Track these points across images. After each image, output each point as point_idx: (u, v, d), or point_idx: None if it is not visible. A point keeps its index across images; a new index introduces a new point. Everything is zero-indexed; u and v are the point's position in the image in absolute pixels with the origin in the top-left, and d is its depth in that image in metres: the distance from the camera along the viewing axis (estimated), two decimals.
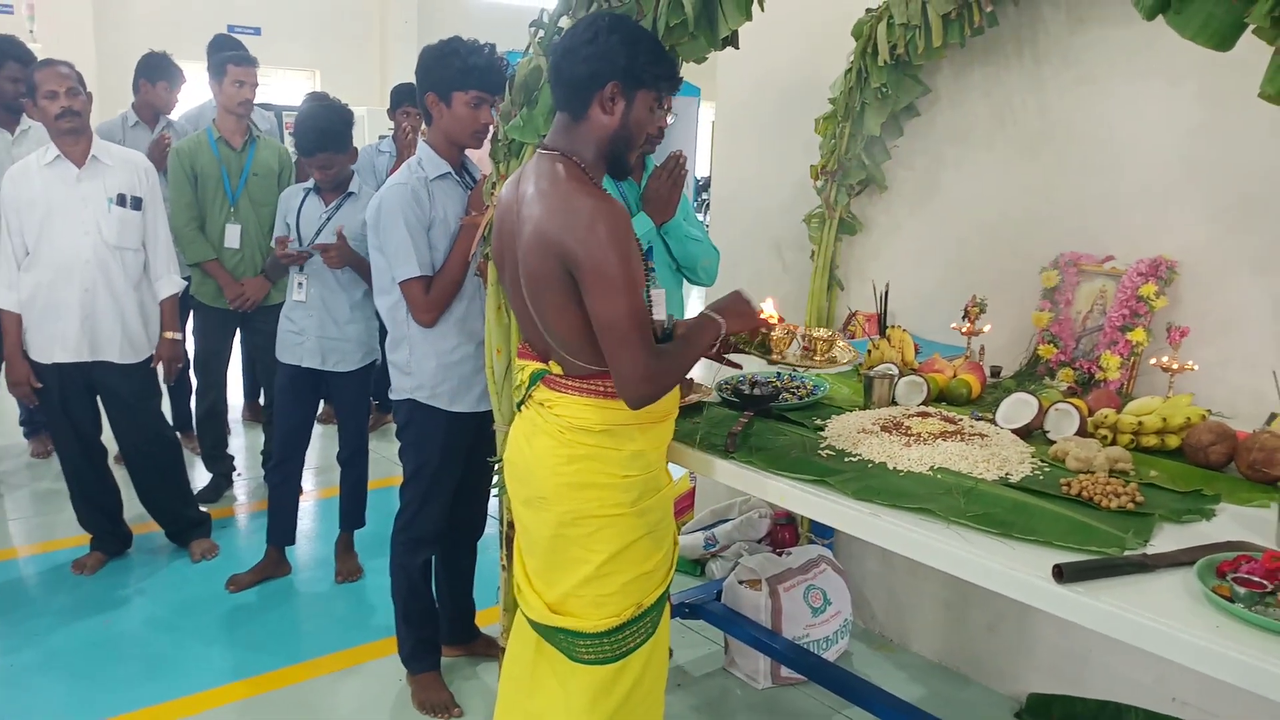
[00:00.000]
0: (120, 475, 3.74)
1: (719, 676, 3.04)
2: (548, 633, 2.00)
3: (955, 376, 2.46)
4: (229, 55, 4.08)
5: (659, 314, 2.70)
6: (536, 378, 1.96)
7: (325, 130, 3.27)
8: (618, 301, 1.74)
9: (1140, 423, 2.08)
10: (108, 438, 3.63)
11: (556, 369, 1.92)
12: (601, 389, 1.88)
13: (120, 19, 11.62)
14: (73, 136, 3.30)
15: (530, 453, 1.97)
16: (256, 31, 12.26)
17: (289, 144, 4.16)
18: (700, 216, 3.33)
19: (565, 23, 2.34)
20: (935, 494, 1.79)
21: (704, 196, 12.83)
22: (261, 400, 4.83)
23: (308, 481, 4.46)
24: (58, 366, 3.38)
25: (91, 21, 11.41)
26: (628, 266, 1.75)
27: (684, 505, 3.96)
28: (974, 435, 2.08)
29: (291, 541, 3.66)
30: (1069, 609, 1.45)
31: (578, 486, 1.90)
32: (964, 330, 2.65)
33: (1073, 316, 2.63)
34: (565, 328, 1.85)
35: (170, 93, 4.62)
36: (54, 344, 3.36)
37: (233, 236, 4.00)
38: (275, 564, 3.65)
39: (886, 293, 2.84)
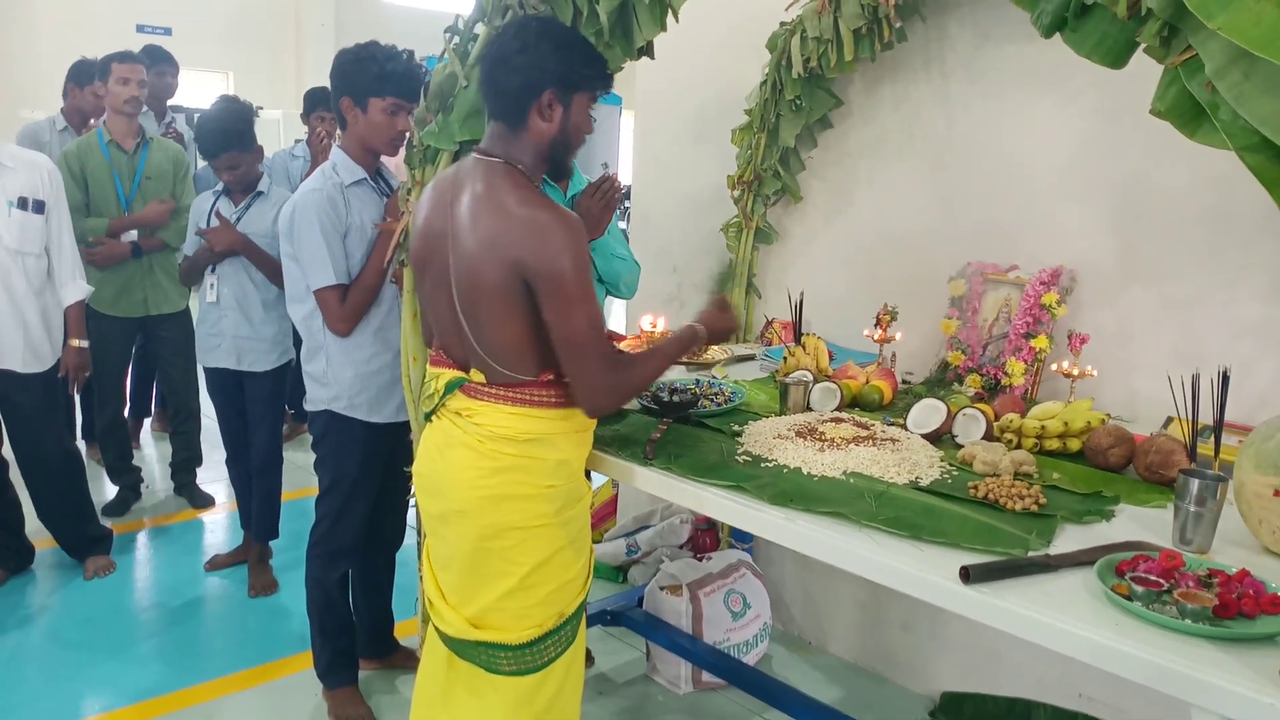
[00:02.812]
0: (23, 488, 3.60)
1: (641, 683, 3.05)
2: (462, 647, 1.97)
3: (868, 383, 2.51)
4: (114, 54, 3.98)
5: None
6: (453, 386, 1.92)
7: (228, 130, 3.22)
8: (578, 313, 1.76)
9: (1043, 427, 2.14)
10: (8, 450, 3.49)
11: (478, 377, 1.89)
12: (527, 397, 1.87)
13: (24, 18, 11.19)
14: None
15: (445, 466, 1.94)
16: (167, 32, 11.93)
17: None
18: (622, 224, 3.34)
19: (480, 29, 2.33)
20: (848, 498, 1.82)
21: (626, 204, 12.85)
22: (167, 410, 4.69)
23: (220, 493, 4.36)
24: None
25: None
26: (585, 278, 1.76)
27: (606, 512, 3.97)
28: (886, 440, 2.13)
29: (271, 531, 3.62)
30: (976, 609, 1.49)
31: (500, 499, 1.88)
32: (876, 337, 2.71)
33: (980, 324, 2.70)
34: (505, 337, 1.83)
35: (100, 98, 4.49)
36: None
37: (128, 240, 3.89)
38: (247, 549, 3.66)
39: (801, 301, 2.88)
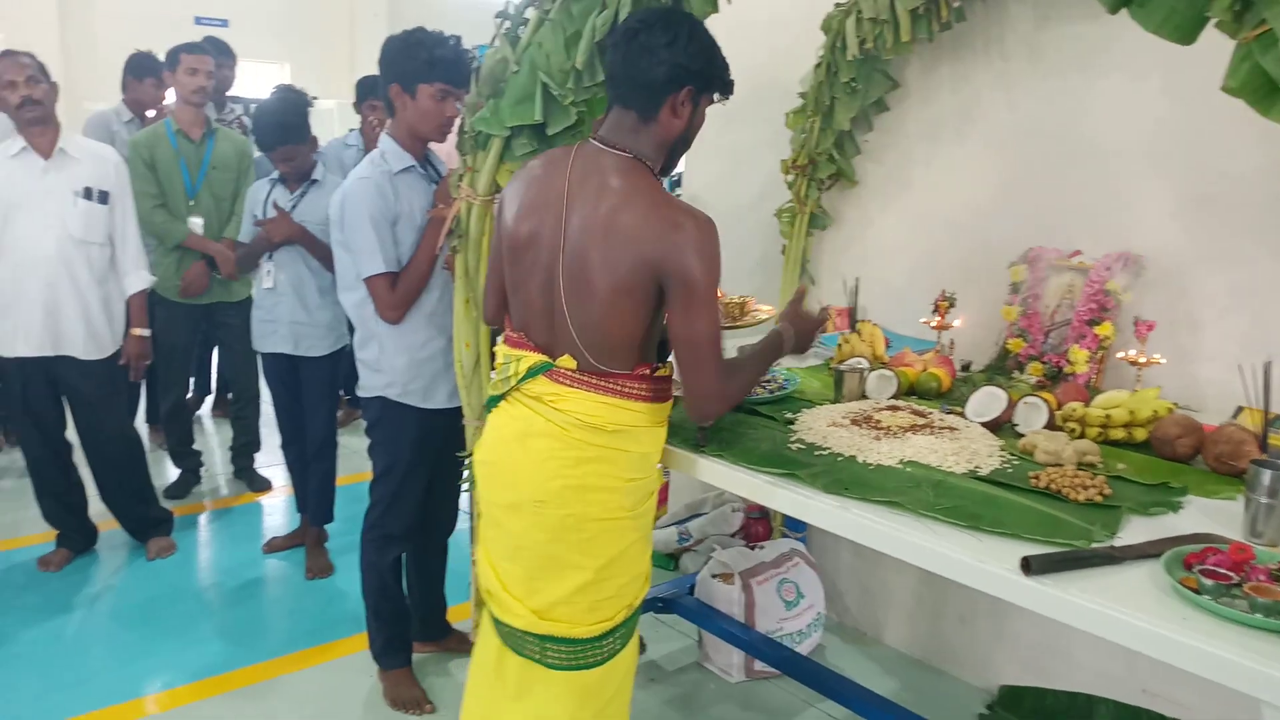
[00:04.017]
0: (87, 471, 3.69)
1: (693, 670, 3.04)
2: (521, 640, 1.95)
3: (925, 370, 2.47)
4: (182, 45, 4.04)
5: None
6: (537, 370, 1.89)
7: (284, 123, 3.27)
8: (704, 318, 1.78)
9: (1108, 416, 2.09)
10: (73, 434, 3.58)
11: (569, 363, 1.86)
12: (620, 388, 1.86)
13: (85, 10, 11.44)
14: (38, 127, 3.25)
15: (524, 455, 1.90)
16: (224, 23, 12.10)
17: None
18: None
19: (531, 14, 2.33)
20: (904, 487, 1.79)
21: (678, 191, 12.82)
22: (229, 396, 4.79)
23: (277, 477, 4.44)
24: (20, 360, 3.33)
25: (56, 12, 11.24)
26: (715, 283, 1.79)
27: (657, 500, 3.96)
28: (943, 429, 2.09)
29: (326, 515, 3.68)
30: (1037, 601, 1.46)
31: (583, 490, 1.86)
32: (934, 324, 2.66)
33: (1041, 311, 2.64)
34: (617, 330, 1.82)
35: (159, 89, 4.60)
36: (16, 337, 3.31)
37: (194, 230, 3.95)
38: (304, 532, 3.72)
39: (857, 287, 2.84)
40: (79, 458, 3.63)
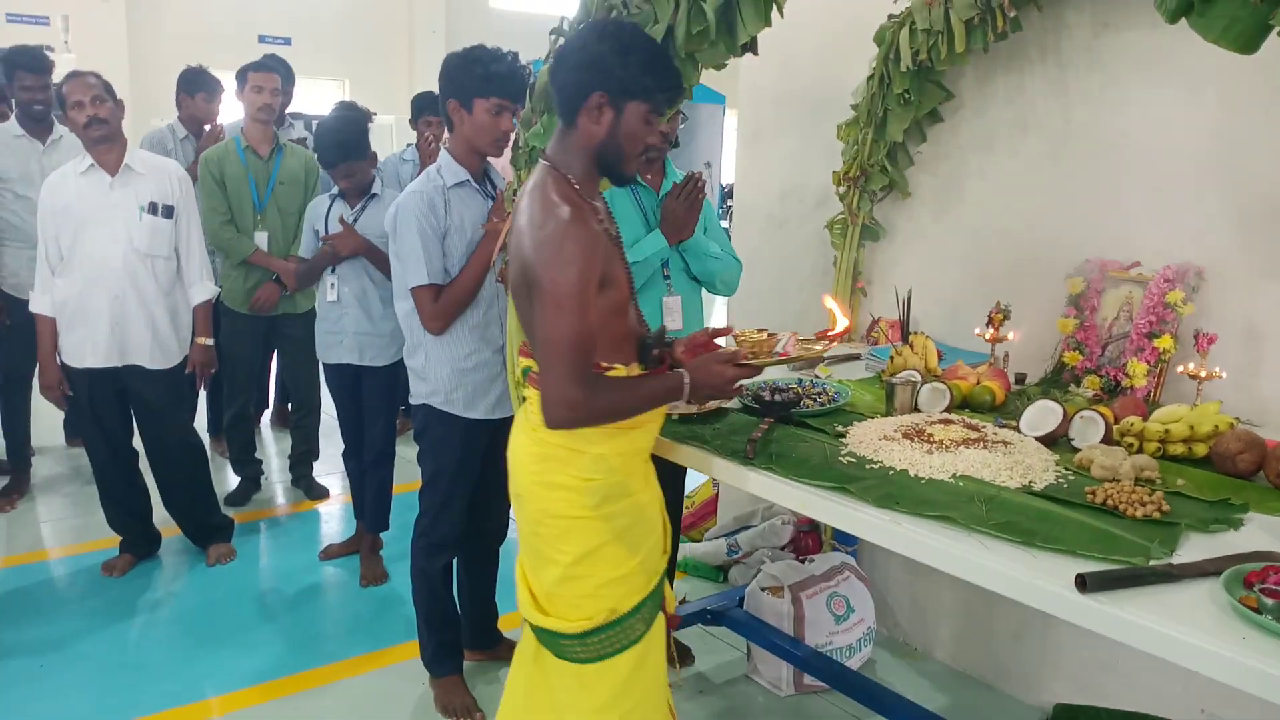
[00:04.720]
0: (150, 478, 3.78)
1: (741, 683, 3.03)
2: (537, 632, 2.04)
3: (978, 383, 2.44)
4: (250, 63, 4.14)
5: (672, 322, 2.69)
6: (526, 372, 2.01)
7: (344, 142, 3.34)
8: (560, 322, 1.75)
9: (1167, 431, 2.05)
10: (138, 442, 3.68)
11: (532, 364, 1.95)
12: None
13: (152, 30, 11.79)
14: (105, 145, 3.35)
15: (512, 449, 2.04)
16: (287, 41, 12.39)
17: None
18: (724, 224, 3.33)
19: None
20: (957, 502, 1.77)
21: (729, 204, 12.82)
22: (289, 406, 4.88)
23: (334, 486, 4.51)
24: (88, 371, 3.43)
25: (125, 32, 11.59)
26: (577, 290, 1.75)
27: (706, 511, 3.96)
28: (997, 443, 2.06)
29: (382, 523, 3.74)
30: (1092, 619, 1.43)
31: (546, 485, 1.93)
32: (988, 337, 2.63)
33: (1099, 323, 2.60)
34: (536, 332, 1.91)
35: (210, 103, 4.69)
36: (85, 349, 3.41)
37: (260, 243, 4.05)
38: (359, 539, 3.79)
39: (909, 299, 2.82)
40: (143, 465, 3.72)
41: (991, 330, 2.62)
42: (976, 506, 1.75)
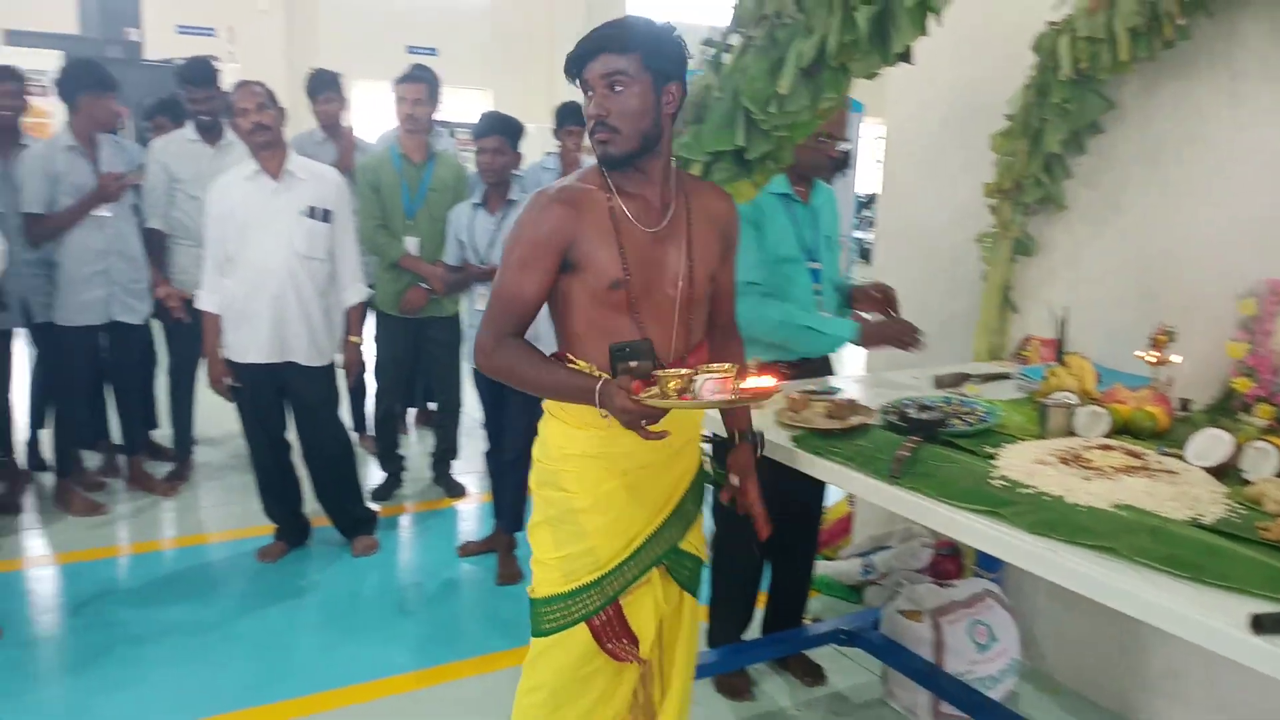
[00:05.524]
0: (302, 470, 3.96)
1: (878, 707, 2.96)
2: None
3: (1139, 408, 2.33)
4: (399, 75, 4.29)
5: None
6: None
7: (503, 120, 3.53)
8: (497, 278, 1.91)
9: None
10: (292, 436, 3.86)
11: None
12: None
13: (309, 41, 12.38)
14: (268, 150, 3.53)
15: None
16: (433, 51, 12.82)
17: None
18: (859, 234, 3.31)
19: (736, 40, 2.36)
20: (1118, 531, 1.69)
21: (865, 214, 12.63)
22: (432, 406, 5.03)
23: (471, 484, 4.63)
24: (250, 366, 3.61)
25: (282, 43, 12.21)
26: (513, 254, 1.88)
27: (840, 530, 3.89)
28: (1161, 471, 1.96)
29: (518, 523, 3.81)
30: (1267, 662, 1.34)
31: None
32: (1150, 360, 2.50)
33: (1274, 348, 2.44)
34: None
35: (330, 104, 4.85)
36: (248, 345, 3.59)
37: (411, 248, 4.19)
38: (496, 538, 3.88)
39: (1065, 317, 2.71)
40: (296, 459, 3.90)
41: (1155, 352, 2.49)
42: (1139, 538, 1.67)
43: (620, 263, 1.87)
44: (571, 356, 1.92)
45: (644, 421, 1.71)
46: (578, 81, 1.88)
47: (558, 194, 1.90)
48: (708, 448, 2.20)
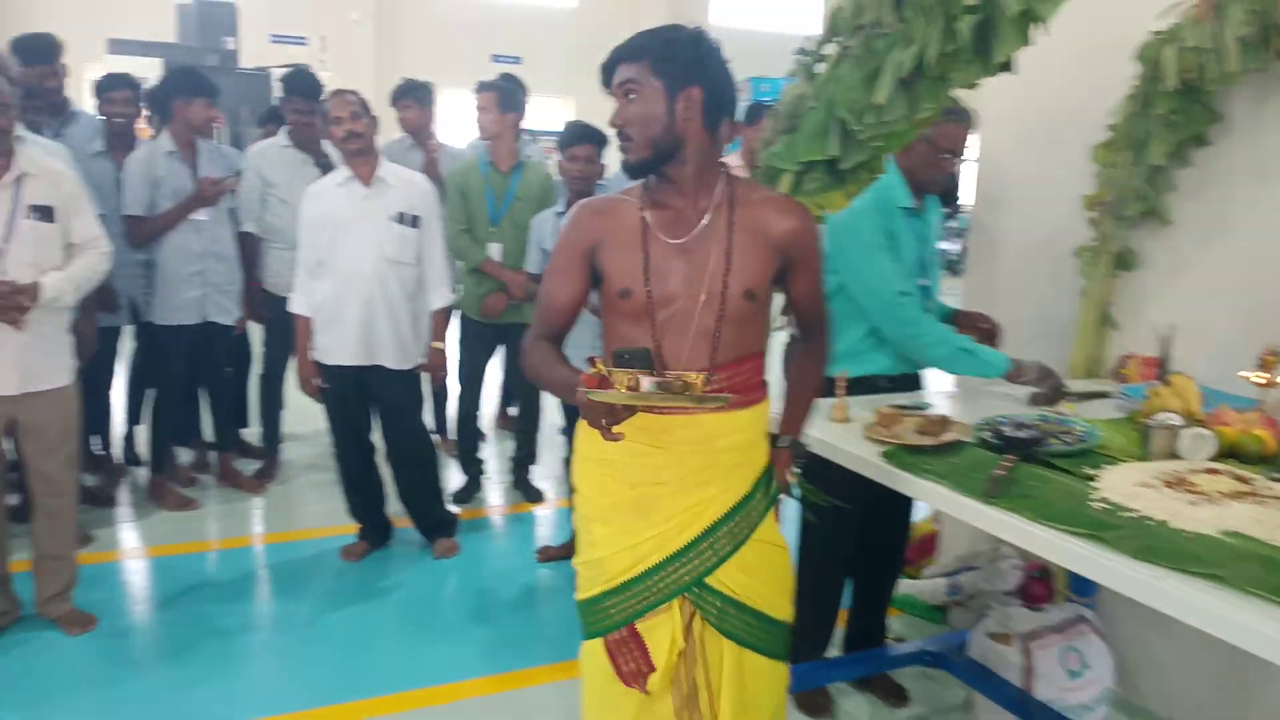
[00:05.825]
0: (385, 471, 4.02)
1: None
2: None
3: (1246, 431, 2.23)
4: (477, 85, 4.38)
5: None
6: None
7: (591, 129, 3.62)
8: (542, 283, 2.01)
9: None
10: (377, 438, 3.92)
11: None
12: None
13: (395, 52, 12.65)
14: (360, 158, 3.59)
15: None
16: (517, 60, 12.99)
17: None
18: (943, 245, 3.25)
19: (831, 49, 2.33)
20: (1226, 559, 1.63)
21: (952, 222, 12.38)
22: (512, 411, 5.07)
23: (549, 490, 4.66)
24: (339, 368, 3.68)
25: (372, 52, 12.49)
26: (553, 260, 1.97)
27: (925, 549, 3.82)
28: (1270, 498, 1.88)
29: None
30: None
31: None
32: (1258, 381, 2.40)
33: None
34: None
35: (409, 110, 4.96)
36: (336, 348, 3.66)
37: (494, 254, 4.24)
38: (573, 545, 3.87)
39: (1170, 336, 2.62)
40: (380, 460, 3.96)
41: (1264, 374, 2.39)
42: (1250, 566, 1.60)
43: (634, 272, 1.88)
44: (597, 361, 1.92)
45: (604, 421, 1.65)
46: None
47: (593, 203, 1.98)
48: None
